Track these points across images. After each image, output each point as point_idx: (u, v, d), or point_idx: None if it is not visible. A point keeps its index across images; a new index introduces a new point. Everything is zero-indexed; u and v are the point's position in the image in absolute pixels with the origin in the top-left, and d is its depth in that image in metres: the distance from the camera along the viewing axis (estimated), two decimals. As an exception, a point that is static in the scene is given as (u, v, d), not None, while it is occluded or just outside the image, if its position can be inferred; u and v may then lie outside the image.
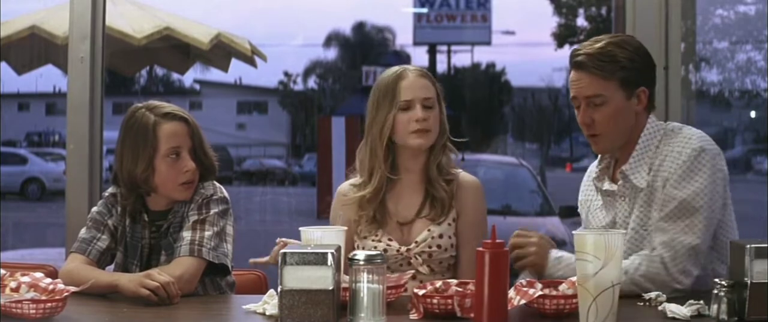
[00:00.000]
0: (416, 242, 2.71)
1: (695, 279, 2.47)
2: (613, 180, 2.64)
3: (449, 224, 2.73)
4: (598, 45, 2.56)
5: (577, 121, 2.62)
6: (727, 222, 2.57)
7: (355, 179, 2.82)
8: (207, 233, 2.68)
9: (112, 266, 2.80)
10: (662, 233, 2.48)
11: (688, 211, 2.46)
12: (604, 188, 2.65)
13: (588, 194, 2.76)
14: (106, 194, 2.84)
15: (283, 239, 2.53)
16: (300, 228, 2.36)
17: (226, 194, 2.78)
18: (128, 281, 2.51)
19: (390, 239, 2.72)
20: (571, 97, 2.61)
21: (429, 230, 2.71)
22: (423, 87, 2.73)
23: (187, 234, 2.67)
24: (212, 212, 2.72)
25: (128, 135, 2.72)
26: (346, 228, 2.44)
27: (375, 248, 2.69)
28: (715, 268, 2.57)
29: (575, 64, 2.57)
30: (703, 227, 2.46)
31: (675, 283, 2.43)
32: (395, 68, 2.78)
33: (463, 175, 2.80)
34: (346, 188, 2.82)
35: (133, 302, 2.47)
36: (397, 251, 2.70)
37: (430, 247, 2.70)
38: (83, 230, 2.79)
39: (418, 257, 2.70)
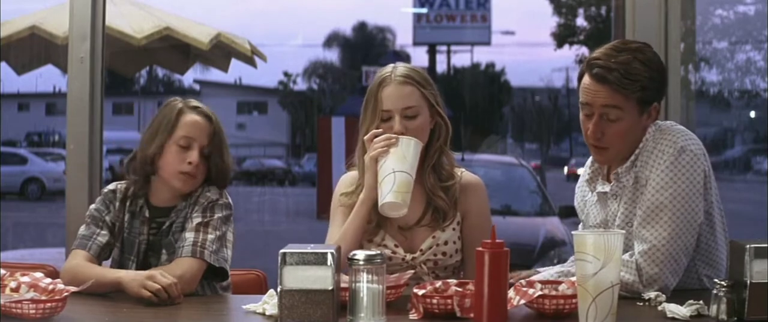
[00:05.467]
0: (421, 250, 2.68)
1: (674, 284, 2.46)
2: (607, 180, 2.63)
3: (454, 229, 2.70)
4: (623, 58, 2.47)
5: (584, 130, 2.55)
6: (712, 223, 2.56)
7: (353, 174, 2.78)
8: (210, 236, 2.68)
9: (108, 262, 2.80)
10: (642, 241, 2.46)
11: (667, 216, 2.44)
12: (597, 190, 2.64)
13: (584, 191, 2.75)
14: (105, 190, 2.86)
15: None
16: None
17: (230, 200, 2.80)
18: (131, 279, 2.51)
19: (396, 245, 2.69)
20: (582, 102, 2.53)
21: (433, 237, 2.68)
22: (403, 96, 2.66)
23: (190, 235, 2.68)
24: (216, 216, 2.73)
25: (156, 119, 2.81)
26: (421, 143, 2.60)
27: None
28: (699, 269, 2.57)
29: (597, 75, 2.48)
30: (682, 232, 2.44)
31: (646, 291, 2.42)
32: (386, 69, 2.72)
33: (466, 175, 2.77)
34: (348, 180, 2.79)
35: (133, 301, 2.47)
36: (403, 259, 2.68)
37: (435, 254, 2.68)
38: (82, 228, 2.80)
39: (423, 265, 2.68)
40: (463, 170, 2.79)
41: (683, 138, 2.50)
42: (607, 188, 2.60)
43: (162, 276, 2.49)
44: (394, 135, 2.62)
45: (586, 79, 2.52)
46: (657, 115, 2.55)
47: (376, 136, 2.63)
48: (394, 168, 2.57)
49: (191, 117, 2.77)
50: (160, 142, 2.74)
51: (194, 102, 2.83)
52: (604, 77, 2.47)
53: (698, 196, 2.47)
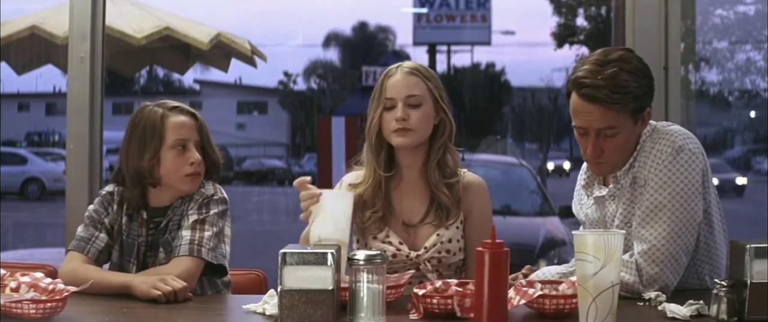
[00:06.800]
0: (425, 248, 2.69)
1: (674, 283, 2.46)
2: (604, 184, 2.62)
3: (457, 227, 2.71)
4: (609, 72, 2.41)
5: (581, 148, 2.53)
6: (710, 222, 2.55)
7: (359, 173, 2.80)
8: (207, 234, 2.68)
9: (107, 265, 2.80)
10: (641, 241, 2.45)
11: (666, 215, 2.43)
12: (594, 195, 2.63)
13: (580, 195, 2.73)
14: (103, 192, 2.85)
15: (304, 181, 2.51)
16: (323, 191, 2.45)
17: (225, 194, 2.80)
18: (141, 282, 2.51)
19: (401, 242, 2.70)
20: (576, 125, 2.49)
21: (438, 235, 2.70)
22: (408, 85, 2.70)
23: (186, 233, 2.68)
24: (212, 212, 2.73)
25: (136, 130, 2.76)
26: (352, 193, 2.48)
27: (384, 250, 2.63)
28: (699, 268, 2.57)
29: (586, 95, 2.42)
30: (682, 231, 2.44)
31: (646, 291, 2.41)
32: (393, 65, 2.77)
33: (469, 175, 2.78)
34: (349, 179, 2.81)
35: (132, 302, 2.48)
36: (407, 256, 2.69)
37: (439, 252, 2.69)
38: (81, 228, 2.80)
39: (427, 263, 2.69)
40: (466, 170, 2.80)
41: (681, 137, 2.50)
42: (604, 192, 2.59)
43: (173, 280, 2.49)
44: (319, 191, 2.48)
45: (575, 99, 2.46)
46: (649, 117, 2.53)
47: (303, 184, 2.51)
48: (320, 236, 2.41)
49: (177, 119, 2.75)
50: (154, 152, 2.72)
51: (170, 103, 2.80)
52: (594, 96, 2.42)
53: (697, 195, 2.47)
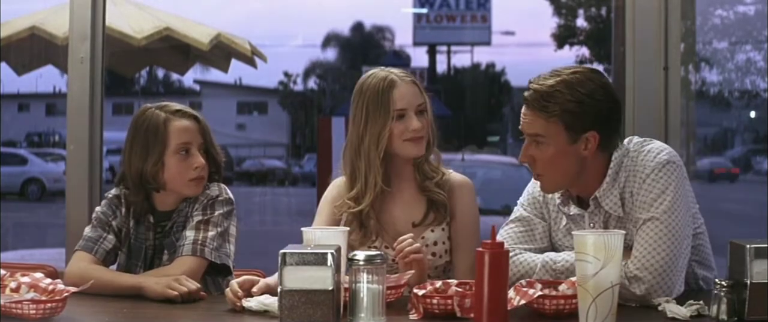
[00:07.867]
0: None
1: (680, 290, 2.43)
2: (580, 205, 2.55)
3: (443, 229, 2.71)
4: (550, 82, 2.42)
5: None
6: (698, 227, 2.55)
7: (341, 181, 2.78)
8: (210, 234, 2.68)
9: (114, 267, 2.80)
10: (636, 258, 2.38)
11: (661, 231, 2.38)
12: (570, 213, 2.56)
13: (551, 213, 2.63)
14: (110, 195, 2.84)
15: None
16: (302, 228, 2.36)
17: (230, 195, 2.80)
18: (155, 283, 2.52)
19: (386, 247, 2.69)
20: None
21: (423, 238, 2.68)
22: (415, 94, 2.71)
23: (190, 233, 2.68)
24: (217, 213, 2.73)
25: (138, 133, 2.74)
26: (347, 229, 2.42)
27: None
28: (694, 270, 2.57)
29: (524, 97, 2.47)
30: (677, 244, 2.39)
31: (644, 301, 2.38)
32: (380, 74, 2.72)
33: (454, 175, 2.78)
34: (340, 186, 2.79)
35: (132, 302, 2.48)
36: (393, 260, 2.68)
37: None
38: (88, 229, 2.79)
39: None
40: (451, 170, 2.80)
41: (665, 152, 2.47)
42: (583, 212, 2.53)
43: (187, 281, 2.50)
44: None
45: None
46: (596, 145, 2.45)
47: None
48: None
49: (180, 123, 2.74)
50: (157, 157, 2.71)
51: (173, 106, 2.78)
52: (526, 99, 2.45)
53: (687, 204, 2.45)
